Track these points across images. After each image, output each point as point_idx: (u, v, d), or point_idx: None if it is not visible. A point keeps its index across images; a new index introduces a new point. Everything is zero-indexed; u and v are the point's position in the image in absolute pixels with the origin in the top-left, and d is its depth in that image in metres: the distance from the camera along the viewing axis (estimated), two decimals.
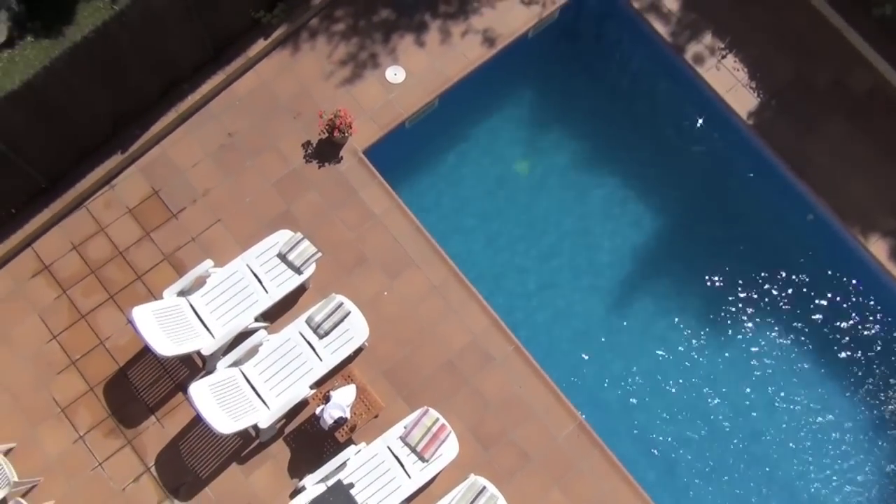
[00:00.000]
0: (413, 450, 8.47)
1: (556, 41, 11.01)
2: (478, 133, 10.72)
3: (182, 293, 8.71)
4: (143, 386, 8.95)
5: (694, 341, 10.08)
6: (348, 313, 8.81)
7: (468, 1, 10.47)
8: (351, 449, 8.56)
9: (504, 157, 10.73)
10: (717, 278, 10.28)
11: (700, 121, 10.78)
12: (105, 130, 9.38)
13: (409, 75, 10.13)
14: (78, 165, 9.41)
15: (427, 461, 8.45)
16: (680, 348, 10.04)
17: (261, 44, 9.99)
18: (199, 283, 8.79)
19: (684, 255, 10.39)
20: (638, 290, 10.28)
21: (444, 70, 10.18)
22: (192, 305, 8.68)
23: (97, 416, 8.85)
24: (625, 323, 10.15)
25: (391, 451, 8.49)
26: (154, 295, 9.16)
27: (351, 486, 8.20)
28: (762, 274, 10.28)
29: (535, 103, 10.96)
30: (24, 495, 8.33)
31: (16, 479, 8.14)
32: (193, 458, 8.77)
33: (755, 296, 10.23)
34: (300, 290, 9.17)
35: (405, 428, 8.58)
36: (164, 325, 8.28)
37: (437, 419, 8.61)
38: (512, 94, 10.93)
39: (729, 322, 10.16)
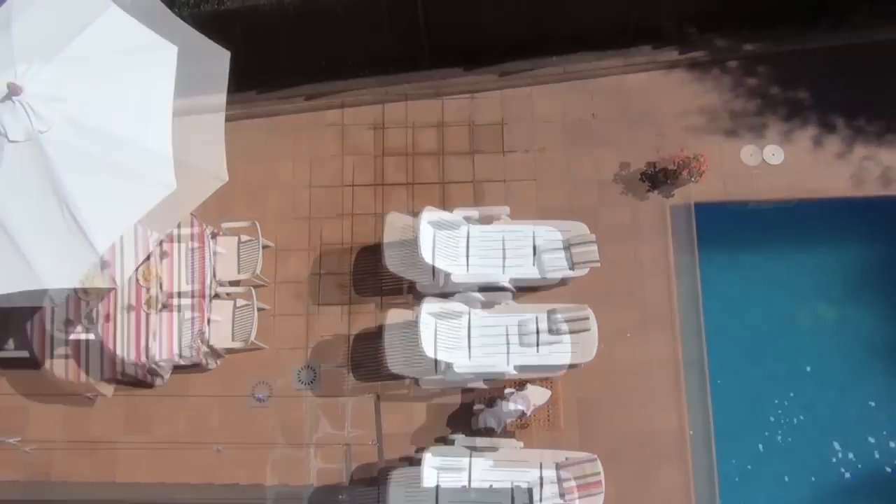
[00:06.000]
0: (559, 482, 8.27)
1: None
2: (811, 255, 9.92)
3: (468, 219, 9.04)
4: (387, 270, 9.40)
5: None
6: (587, 330, 8.66)
7: (893, 132, 9.57)
8: (511, 441, 8.55)
9: (818, 290, 9.86)
10: None
11: None
12: (497, 51, 9.83)
13: (784, 163, 9.53)
14: (456, 65, 9.94)
15: (563, 500, 8.22)
16: None
17: (671, 53, 9.88)
18: (487, 220, 9.06)
19: None
20: None
21: (822, 179, 9.47)
22: (468, 234, 8.99)
23: (342, 268, 9.52)
24: None
25: (541, 468, 8.35)
26: (444, 205, 9.53)
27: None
28: None
29: (886, 263, 9.89)
30: (253, 286, 9.23)
31: (258, 272, 9.03)
32: (385, 353, 9.03)
33: None
34: (560, 281, 9.15)
35: (566, 459, 8.39)
36: (438, 235, 8.69)
37: (599, 473, 8.30)
38: (870, 239, 9.95)
39: None
